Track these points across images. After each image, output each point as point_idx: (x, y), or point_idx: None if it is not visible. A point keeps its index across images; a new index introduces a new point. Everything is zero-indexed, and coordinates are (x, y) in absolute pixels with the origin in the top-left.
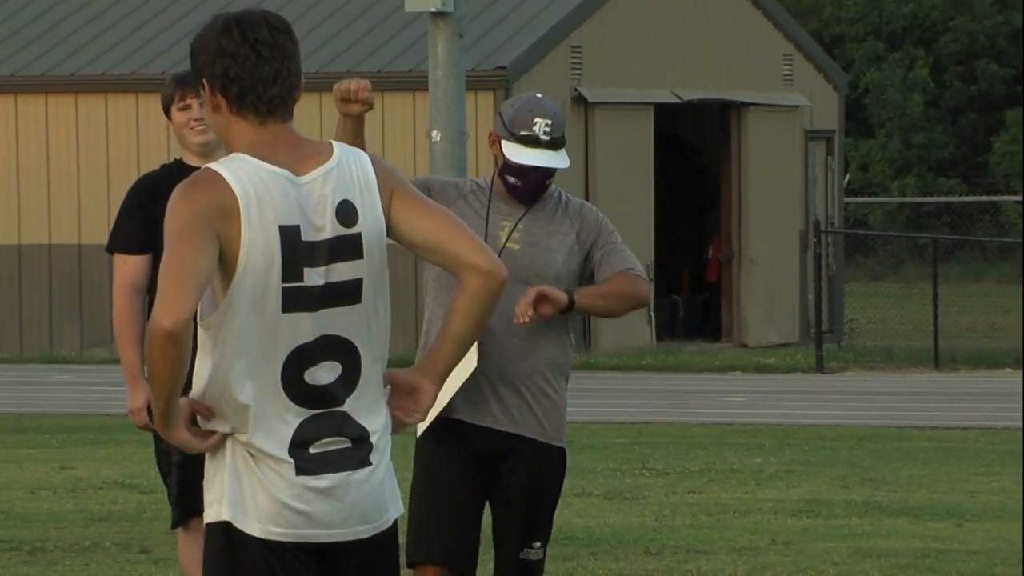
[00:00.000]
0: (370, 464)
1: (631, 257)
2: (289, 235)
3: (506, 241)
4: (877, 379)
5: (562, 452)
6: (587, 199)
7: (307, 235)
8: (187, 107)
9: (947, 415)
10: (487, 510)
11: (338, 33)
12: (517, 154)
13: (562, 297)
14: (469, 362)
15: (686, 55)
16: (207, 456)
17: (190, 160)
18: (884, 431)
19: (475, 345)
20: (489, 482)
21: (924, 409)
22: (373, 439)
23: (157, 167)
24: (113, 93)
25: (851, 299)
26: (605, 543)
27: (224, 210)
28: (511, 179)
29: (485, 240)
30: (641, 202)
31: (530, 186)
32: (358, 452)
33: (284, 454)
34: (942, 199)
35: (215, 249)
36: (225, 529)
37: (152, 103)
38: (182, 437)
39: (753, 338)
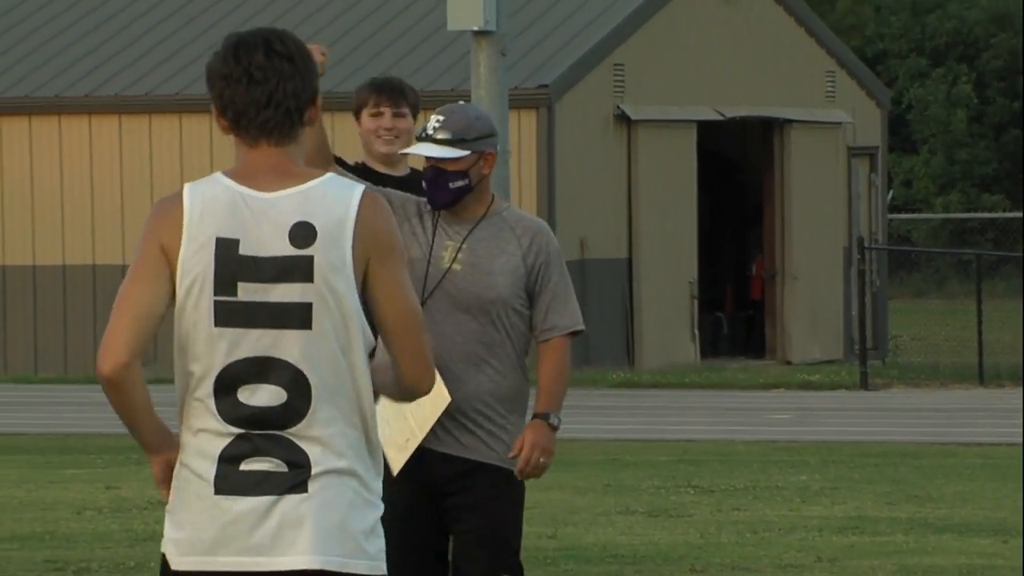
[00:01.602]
0: (305, 491)
1: (573, 305)
2: (225, 247)
3: (450, 263)
4: (922, 396)
5: (513, 476)
6: (630, 217)
7: (246, 249)
8: (379, 114)
9: (992, 431)
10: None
11: (381, 52)
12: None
13: (550, 443)
14: (442, 397)
15: (728, 72)
16: None
17: (373, 164)
18: (929, 448)
19: (440, 381)
20: (443, 511)
21: (969, 425)
22: (316, 468)
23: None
24: (157, 114)
25: (895, 315)
26: (650, 561)
27: (172, 226)
28: (425, 186)
29: (428, 262)
30: (684, 220)
31: (429, 184)
32: (293, 477)
33: (209, 472)
34: (986, 215)
35: (163, 274)
36: (163, 562)
37: (195, 123)
38: (153, 471)
39: (797, 355)
